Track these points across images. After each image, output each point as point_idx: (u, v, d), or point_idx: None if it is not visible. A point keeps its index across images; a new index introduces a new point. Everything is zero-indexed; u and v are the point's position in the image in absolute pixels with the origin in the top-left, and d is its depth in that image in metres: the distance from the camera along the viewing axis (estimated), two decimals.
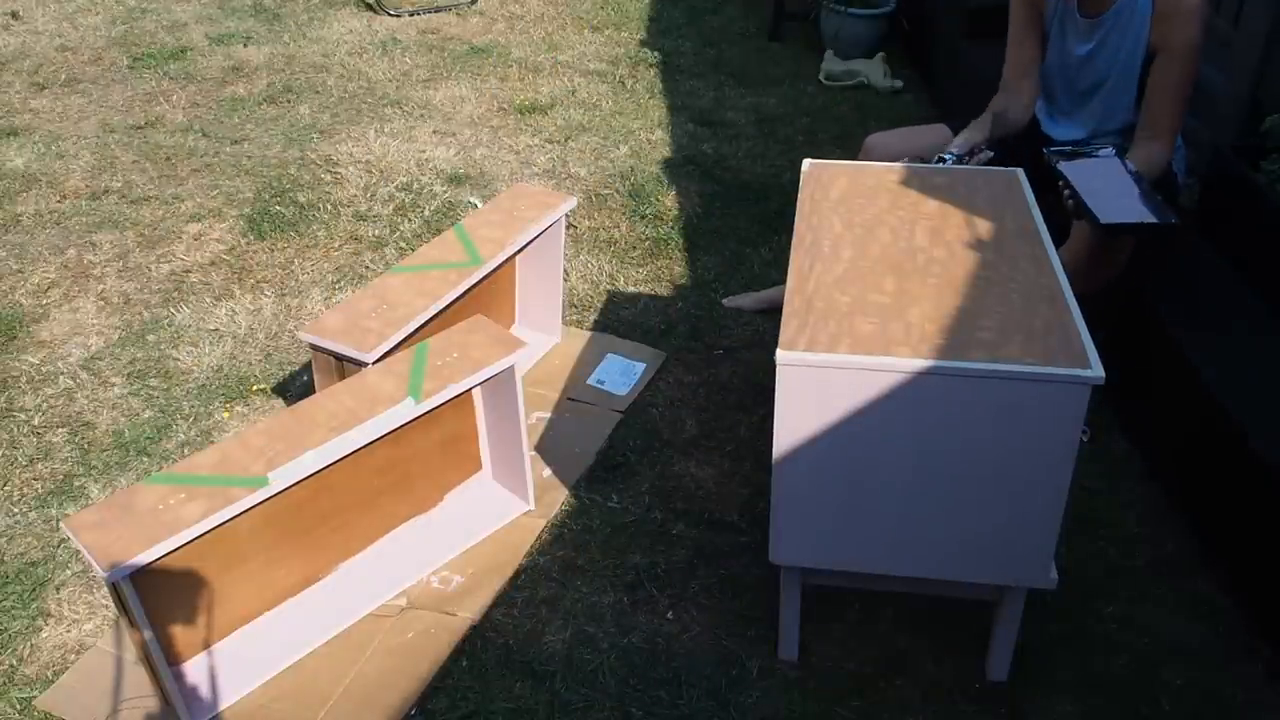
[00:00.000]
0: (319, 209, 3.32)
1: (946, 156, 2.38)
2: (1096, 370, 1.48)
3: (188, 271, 3.01)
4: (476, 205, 3.34)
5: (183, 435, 2.40)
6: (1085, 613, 1.96)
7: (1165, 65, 2.25)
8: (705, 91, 4.25)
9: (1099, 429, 2.37)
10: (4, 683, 1.83)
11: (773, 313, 2.73)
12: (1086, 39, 2.37)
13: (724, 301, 2.87)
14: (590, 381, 2.57)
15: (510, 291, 2.67)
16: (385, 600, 1.99)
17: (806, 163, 2.12)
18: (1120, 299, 2.39)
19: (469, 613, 1.97)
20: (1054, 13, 2.42)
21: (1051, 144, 2.45)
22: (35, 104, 4.06)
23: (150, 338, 2.73)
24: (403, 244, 3.15)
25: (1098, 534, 2.13)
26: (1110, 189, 2.16)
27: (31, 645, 1.91)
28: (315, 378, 2.14)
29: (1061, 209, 2.14)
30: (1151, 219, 2.10)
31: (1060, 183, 2.16)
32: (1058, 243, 2.34)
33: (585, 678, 1.85)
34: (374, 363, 2.02)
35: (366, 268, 3.04)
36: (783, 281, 2.35)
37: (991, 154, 2.42)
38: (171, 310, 2.84)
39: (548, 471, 2.30)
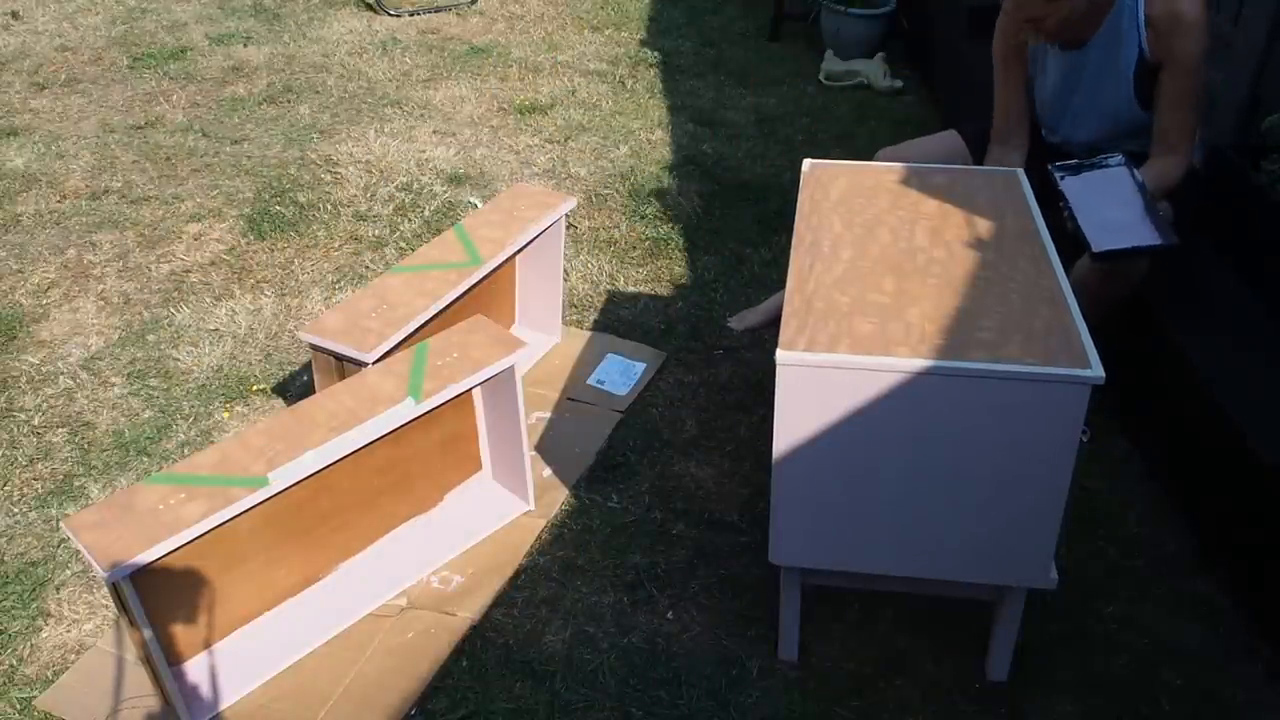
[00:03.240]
0: (319, 209, 3.32)
1: None
2: (1096, 370, 1.48)
3: (188, 271, 3.01)
4: (476, 205, 3.34)
5: (183, 435, 2.40)
6: (1085, 613, 1.96)
7: (1172, 79, 2.21)
8: (705, 91, 4.25)
9: (1099, 429, 2.37)
10: (4, 683, 1.83)
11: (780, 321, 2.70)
12: (1068, 71, 2.36)
13: (731, 324, 2.78)
14: (590, 381, 2.57)
15: (510, 291, 2.67)
16: (385, 600, 1.99)
17: (806, 163, 2.12)
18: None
19: (469, 613, 1.97)
20: (1037, 48, 2.42)
21: (1059, 156, 2.41)
22: (35, 104, 4.06)
23: (150, 338, 2.73)
24: (403, 244, 3.15)
25: (1098, 534, 2.13)
26: (1111, 207, 2.07)
27: (31, 645, 1.91)
28: (315, 378, 2.14)
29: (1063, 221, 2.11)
30: (1151, 241, 2.01)
31: (1060, 202, 2.11)
32: (1075, 257, 2.28)
33: (585, 678, 1.85)
34: (374, 363, 2.02)
35: (366, 268, 3.04)
36: (782, 282, 2.34)
37: None
38: (171, 310, 2.84)
39: (548, 471, 2.30)
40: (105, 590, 2.00)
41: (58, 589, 2.02)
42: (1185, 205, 2.34)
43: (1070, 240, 2.06)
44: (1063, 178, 2.16)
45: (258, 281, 2.97)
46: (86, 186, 3.45)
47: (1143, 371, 2.32)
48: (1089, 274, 2.23)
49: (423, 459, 2.10)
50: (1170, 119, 2.24)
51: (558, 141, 3.80)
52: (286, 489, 1.77)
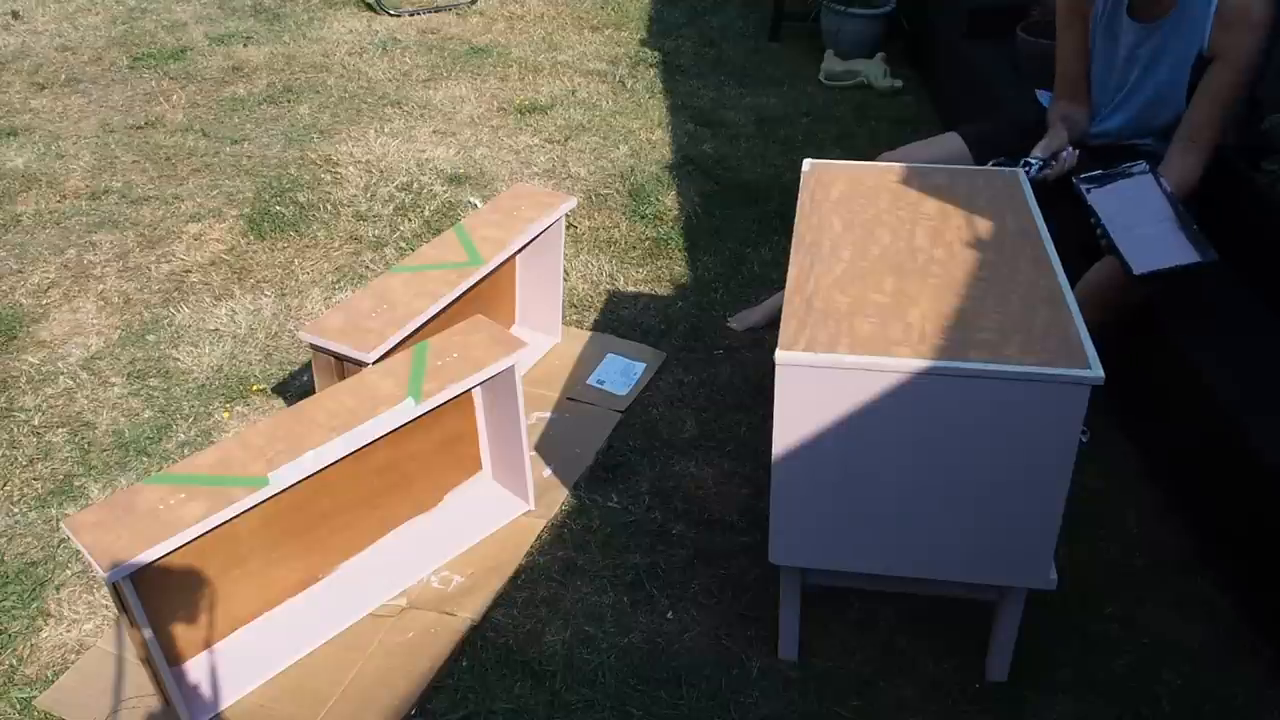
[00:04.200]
0: (319, 209, 3.32)
1: (1032, 162, 2.29)
2: (1096, 370, 1.48)
3: (188, 271, 3.01)
4: (476, 205, 3.34)
5: (183, 435, 2.40)
6: (1085, 613, 1.96)
7: (1220, 73, 2.19)
8: (705, 91, 4.25)
9: (1099, 429, 2.37)
10: (4, 683, 1.83)
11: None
12: (1135, 44, 2.32)
13: (731, 324, 2.78)
14: (590, 381, 2.57)
15: (510, 291, 2.67)
16: (385, 600, 1.99)
17: (806, 163, 2.12)
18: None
19: (469, 613, 1.97)
20: (1101, 14, 2.37)
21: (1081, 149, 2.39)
22: (35, 104, 4.06)
23: (150, 338, 2.73)
24: (403, 244, 3.15)
25: (1098, 534, 2.13)
26: (1143, 222, 2.04)
27: (31, 645, 1.91)
28: (315, 378, 2.15)
29: (1094, 237, 2.09)
30: (1190, 259, 1.99)
31: (1092, 219, 2.10)
32: (1080, 259, 2.27)
33: (585, 678, 1.85)
34: (374, 363, 2.02)
35: (366, 268, 3.04)
36: (782, 282, 2.33)
37: (1076, 153, 2.31)
38: (171, 310, 2.84)
39: (548, 471, 2.30)
40: (105, 590, 2.00)
41: (58, 589, 2.02)
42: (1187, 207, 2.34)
43: (1074, 244, 2.05)
44: (1089, 190, 2.12)
45: (258, 281, 2.97)
46: (86, 186, 3.45)
47: (1143, 371, 2.32)
48: (1105, 280, 2.22)
49: (423, 459, 2.10)
50: (1206, 113, 2.22)
51: (558, 141, 3.80)
52: (286, 489, 1.77)
